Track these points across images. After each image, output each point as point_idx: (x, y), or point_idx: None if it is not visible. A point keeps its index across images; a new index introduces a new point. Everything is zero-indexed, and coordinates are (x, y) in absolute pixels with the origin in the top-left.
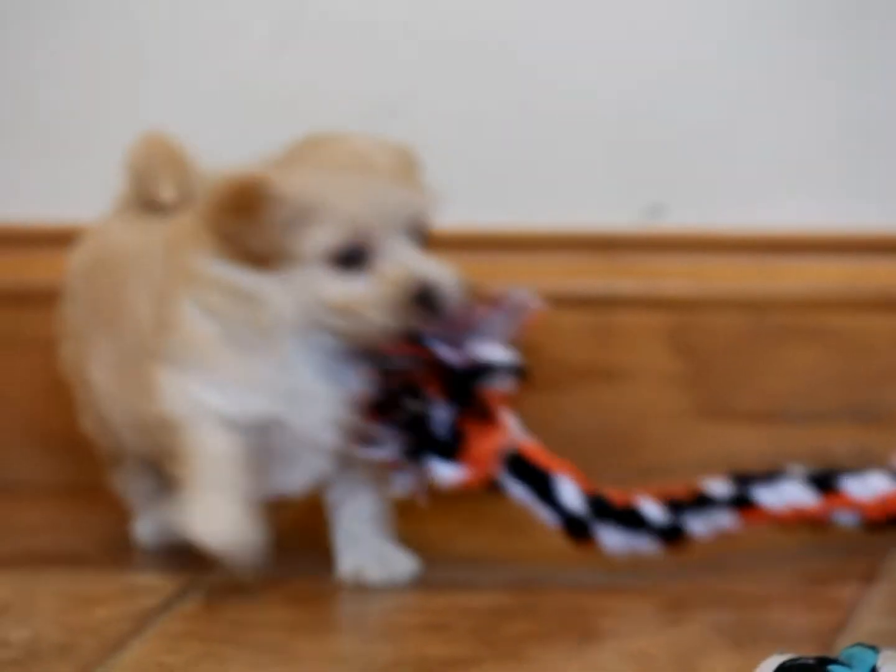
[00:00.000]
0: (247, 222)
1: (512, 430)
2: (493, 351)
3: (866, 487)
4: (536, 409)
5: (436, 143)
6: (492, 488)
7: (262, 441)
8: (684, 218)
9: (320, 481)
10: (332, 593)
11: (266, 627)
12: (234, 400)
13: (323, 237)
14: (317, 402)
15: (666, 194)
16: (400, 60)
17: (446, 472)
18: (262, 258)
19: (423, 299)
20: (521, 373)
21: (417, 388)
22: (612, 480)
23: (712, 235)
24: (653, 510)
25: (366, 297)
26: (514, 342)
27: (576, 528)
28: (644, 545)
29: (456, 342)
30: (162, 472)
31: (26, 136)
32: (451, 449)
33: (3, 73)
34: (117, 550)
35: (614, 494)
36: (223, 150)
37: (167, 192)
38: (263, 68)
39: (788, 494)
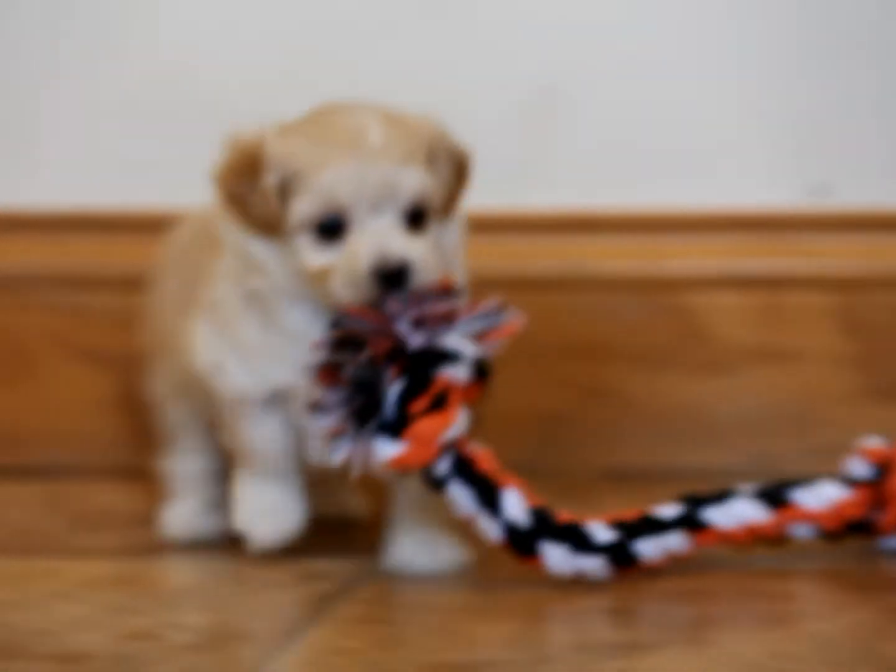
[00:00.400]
0: (246, 183)
1: (460, 428)
2: (459, 343)
3: (818, 498)
4: (706, 391)
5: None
6: (435, 486)
7: (293, 415)
8: (852, 196)
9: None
10: (507, 579)
11: (441, 611)
12: (257, 373)
13: (305, 206)
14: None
15: (833, 173)
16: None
17: (387, 447)
18: (264, 224)
19: (383, 275)
20: (481, 369)
21: (370, 356)
22: (785, 462)
23: (882, 214)
24: (599, 530)
25: (335, 267)
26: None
27: (519, 542)
28: (590, 566)
29: (426, 329)
30: (215, 457)
31: None
32: (395, 426)
33: None
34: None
35: (561, 513)
36: None
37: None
38: None
39: (739, 512)
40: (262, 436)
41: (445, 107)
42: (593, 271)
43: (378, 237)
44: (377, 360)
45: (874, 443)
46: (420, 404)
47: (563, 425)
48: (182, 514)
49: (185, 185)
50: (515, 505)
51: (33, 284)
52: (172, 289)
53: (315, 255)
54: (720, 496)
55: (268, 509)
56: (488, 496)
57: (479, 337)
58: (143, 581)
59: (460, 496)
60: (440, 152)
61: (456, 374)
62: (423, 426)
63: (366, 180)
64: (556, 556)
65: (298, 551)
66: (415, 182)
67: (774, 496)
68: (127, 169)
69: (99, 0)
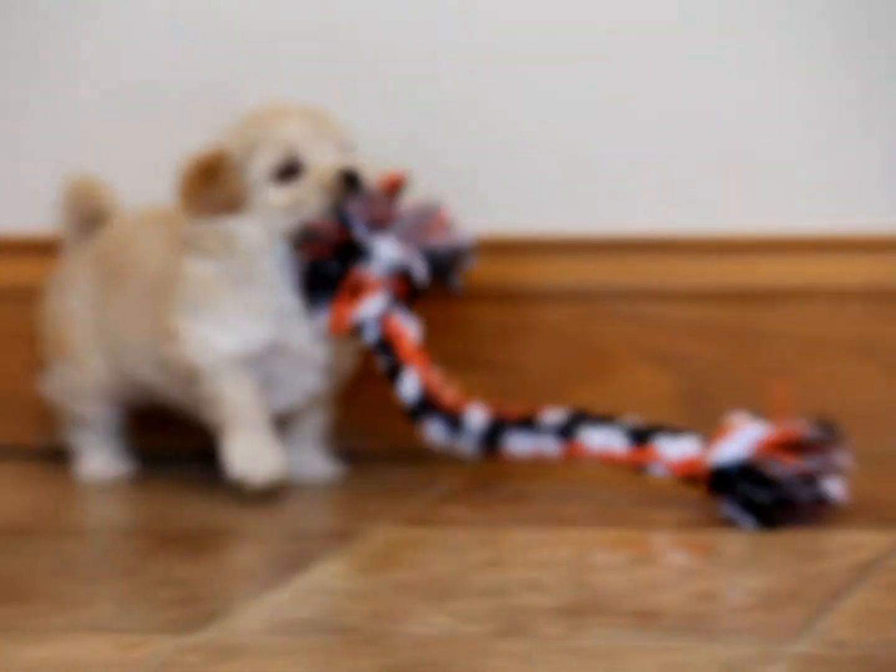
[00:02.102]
0: (215, 184)
1: (370, 311)
2: (385, 247)
3: (677, 448)
4: None
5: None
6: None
7: (263, 368)
8: None
9: (311, 399)
10: None
11: None
12: (239, 336)
13: (264, 160)
14: (302, 321)
15: None
16: None
17: (323, 318)
18: (231, 205)
19: (346, 178)
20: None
21: (326, 257)
22: None
23: None
24: (476, 417)
25: (303, 191)
26: None
27: (409, 414)
28: (463, 446)
29: (375, 228)
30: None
31: None
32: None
33: None
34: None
35: (448, 396)
36: None
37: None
38: None
39: (608, 440)
40: (244, 391)
41: None
42: None
43: (332, 159)
44: (331, 255)
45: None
46: (342, 292)
47: None
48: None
49: None
50: (411, 382)
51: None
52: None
53: (280, 193)
54: (602, 419)
55: (259, 454)
56: (393, 370)
57: (416, 233)
58: (705, 548)
59: (380, 363)
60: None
61: (369, 269)
62: (337, 308)
63: (308, 126)
64: (435, 431)
65: (836, 523)
66: (343, 127)
67: (642, 436)
68: None
69: None
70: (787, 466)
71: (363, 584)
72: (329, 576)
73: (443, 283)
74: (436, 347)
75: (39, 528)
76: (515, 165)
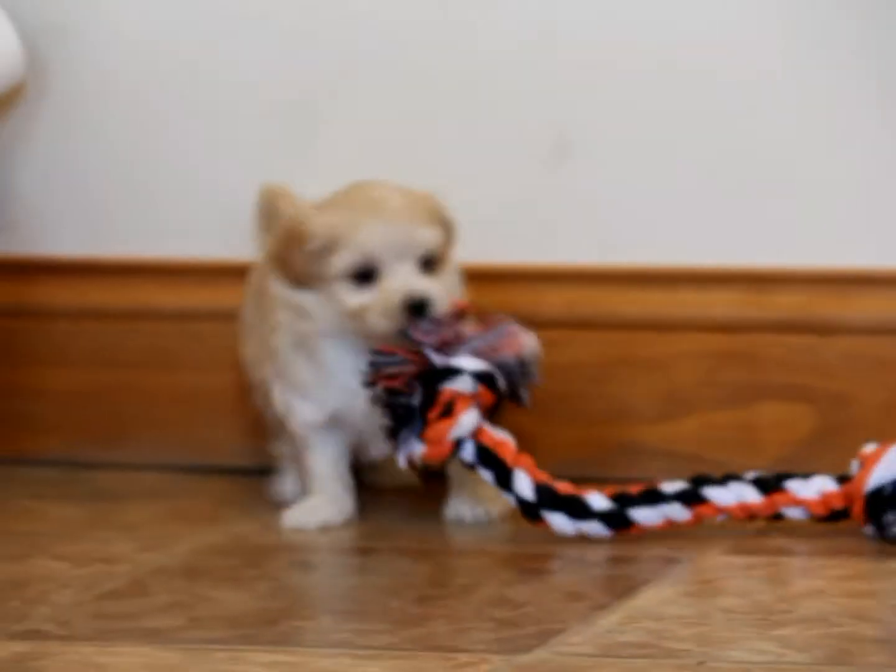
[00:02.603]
0: (293, 251)
1: (468, 427)
2: (463, 360)
3: (809, 488)
4: None
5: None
6: (468, 468)
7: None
8: None
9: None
10: None
11: None
12: (313, 404)
13: (342, 261)
14: (360, 398)
15: None
16: None
17: (416, 447)
18: (304, 279)
19: (412, 306)
20: (484, 379)
21: (405, 387)
22: None
23: None
24: (597, 500)
25: (372, 304)
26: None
27: (529, 511)
28: (589, 529)
29: (444, 351)
30: None
31: None
32: (418, 431)
33: None
34: None
35: (563, 487)
36: None
37: None
38: None
39: (738, 494)
40: (321, 459)
41: None
42: None
43: (404, 278)
44: (410, 384)
45: (871, 447)
46: (433, 413)
47: None
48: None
49: None
50: (524, 482)
51: None
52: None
53: (351, 297)
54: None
55: (316, 509)
56: (504, 476)
57: (487, 351)
58: None
59: (485, 476)
60: (438, 217)
61: (458, 385)
62: (434, 429)
63: (390, 236)
64: (559, 522)
65: None
66: (426, 237)
67: (770, 484)
68: None
69: None
70: None
71: (690, 610)
72: (657, 601)
73: (514, 395)
74: None
75: (376, 548)
76: None
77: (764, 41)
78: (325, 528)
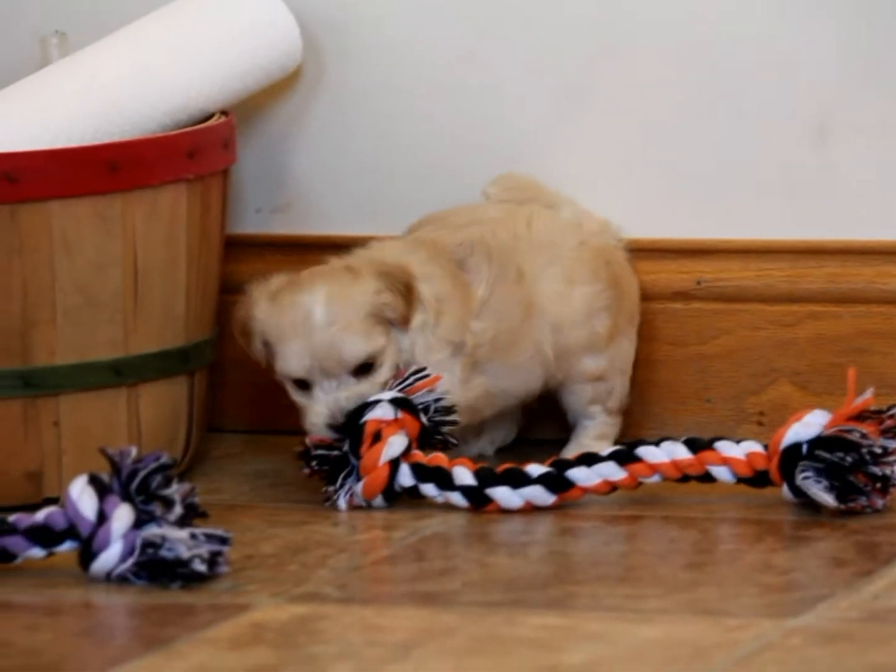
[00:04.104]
0: (244, 336)
1: (397, 449)
2: (381, 393)
3: (736, 449)
4: None
5: None
6: (410, 494)
7: None
8: None
9: None
10: None
11: None
12: None
13: (280, 367)
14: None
15: None
16: None
17: (357, 485)
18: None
19: (335, 428)
20: (402, 403)
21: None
22: None
23: None
24: (535, 468)
25: (306, 413)
26: None
27: (474, 497)
28: (537, 496)
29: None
30: None
31: None
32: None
33: None
34: None
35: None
36: None
37: None
38: None
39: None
40: None
41: None
42: None
43: (327, 397)
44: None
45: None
46: (364, 446)
47: None
48: None
49: None
50: (464, 473)
51: None
52: None
53: (297, 395)
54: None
55: None
56: (446, 479)
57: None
58: None
59: (428, 490)
60: (383, 308)
61: (378, 413)
62: (367, 457)
63: (315, 355)
64: (502, 494)
65: None
66: (355, 348)
67: (700, 443)
68: None
69: None
70: (868, 435)
71: None
72: None
73: (435, 430)
74: None
75: (643, 515)
76: None
77: None
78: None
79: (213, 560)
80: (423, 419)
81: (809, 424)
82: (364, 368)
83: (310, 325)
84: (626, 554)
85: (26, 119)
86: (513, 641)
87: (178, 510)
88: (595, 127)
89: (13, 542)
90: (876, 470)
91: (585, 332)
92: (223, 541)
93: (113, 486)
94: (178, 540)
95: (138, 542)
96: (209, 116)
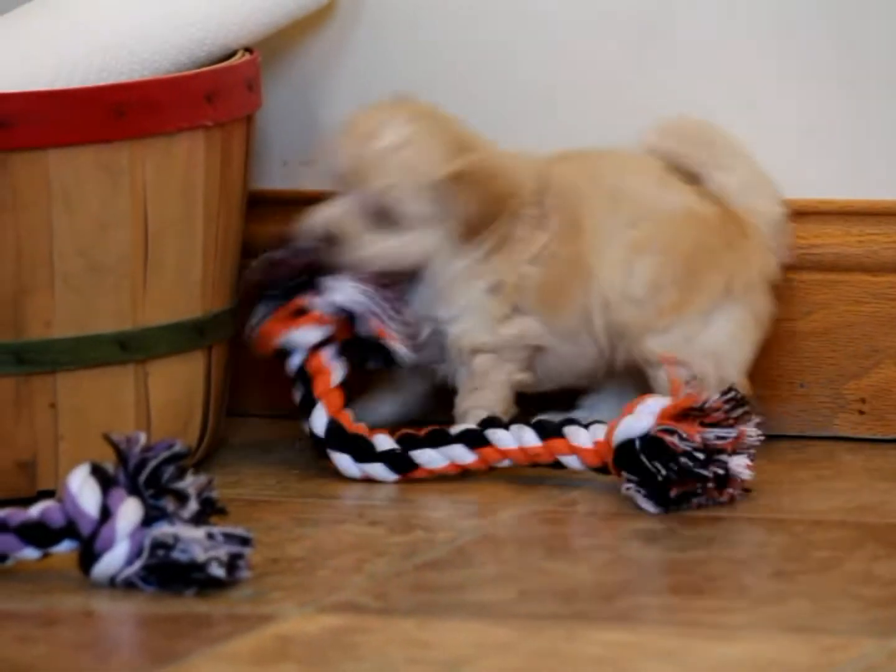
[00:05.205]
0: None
1: (298, 340)
2: (346, 290)
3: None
4: None
5: None
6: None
7: None
8: None
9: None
10: None
11: None
12: None
13: (328, 163)
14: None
15: None
16: None
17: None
18: None
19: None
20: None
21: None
22: None
23: None
24: (383, 440)
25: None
26: None
27: (318, 448)
28: (374, 471)
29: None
30: None
31: None
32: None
33: None
34: None
35: (354, 428)
36: None
37: None
38: None
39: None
40: None
41: None
42: None
43: (337, 211)
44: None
45: None
46: (281, 310)
47: None
48: None
49: None
50: (320, 418)
51: None
52: None
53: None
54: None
55: None
56: (307, 403)
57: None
58: None
59: (295, 395)
60: (454, 194)
61: (317, 300)
62: (268, 326)
63: (344, 162)
64: (343, 462)
65: None
66: (398, 179)
67: (549, 429)
68: None
69: None
70: (688, 437)
71: None
72: None
73: (378, 346)
74: None
75: (725, 516)
76: None
77: None
78: None
79: (232, 563)
80: (363, 331)
81: (641, 417)
82: (390, 218)
83: (363, 134)
84: (704, 561)
85: (20, 56)
86: (574, 659)
87: (192, 506)
88: None
89: (3, 542)
90: (703, 472)
91: (642, 308)
92: (244, 541)
93: (118, 478)
94: (193, 540)
95: (147, 543)
96: (231, 54)
